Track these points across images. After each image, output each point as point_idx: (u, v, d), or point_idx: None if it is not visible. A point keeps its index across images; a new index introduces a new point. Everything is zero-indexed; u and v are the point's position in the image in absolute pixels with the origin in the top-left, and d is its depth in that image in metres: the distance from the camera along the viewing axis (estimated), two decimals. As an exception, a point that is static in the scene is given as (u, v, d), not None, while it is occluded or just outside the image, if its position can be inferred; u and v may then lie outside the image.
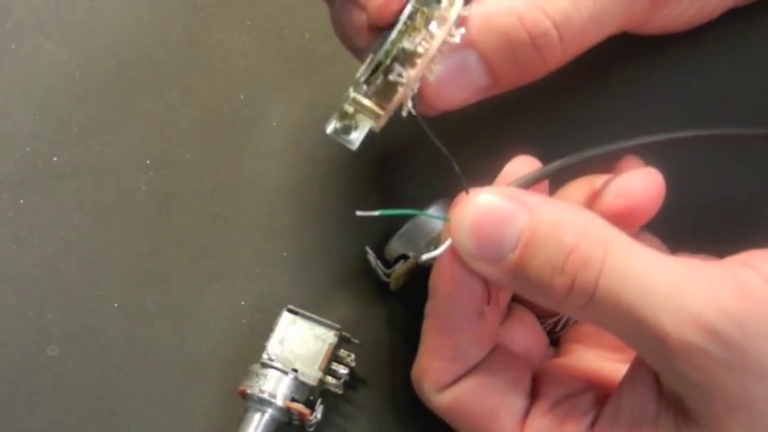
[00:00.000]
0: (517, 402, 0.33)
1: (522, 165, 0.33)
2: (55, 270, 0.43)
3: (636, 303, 0.28)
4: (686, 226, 0.36)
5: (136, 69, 0.47)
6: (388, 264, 0.39)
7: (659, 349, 0.28)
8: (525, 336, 0.37)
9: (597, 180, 0.34)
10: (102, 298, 0.42)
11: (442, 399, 0.33)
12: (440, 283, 0.32)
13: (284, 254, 0.43)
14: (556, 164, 0.32)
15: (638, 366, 0.31)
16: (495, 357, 0.34)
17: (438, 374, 0.33)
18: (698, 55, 0.41)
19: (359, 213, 0.32)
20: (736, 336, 0.27)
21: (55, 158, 0.45)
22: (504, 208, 0.29)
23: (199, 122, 0.46)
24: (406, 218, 0.38)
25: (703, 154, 0.41)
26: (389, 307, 0.41)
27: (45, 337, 0.41)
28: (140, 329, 0.41)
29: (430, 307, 0.33)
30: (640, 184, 0.33)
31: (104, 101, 0.46)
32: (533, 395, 0.33)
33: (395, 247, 0.39)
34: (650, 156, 0.33)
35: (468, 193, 0.31)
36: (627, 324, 0.28)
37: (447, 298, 0.32)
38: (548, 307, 0.31)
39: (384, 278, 0.39)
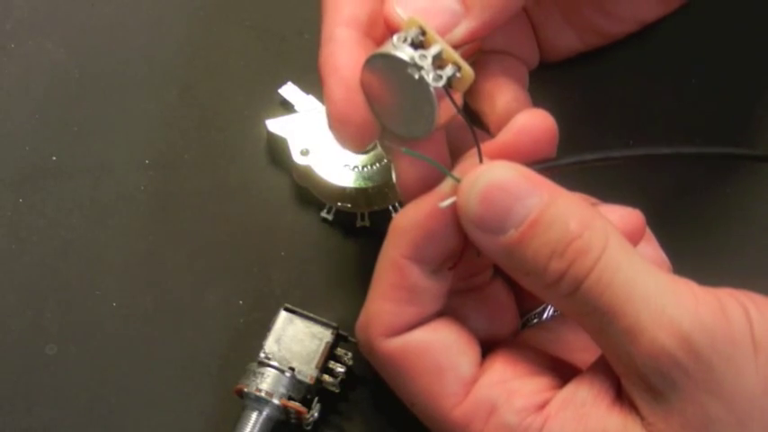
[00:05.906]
0: (465, 366, 0.32)
1: (534, 119, 0.32)
2: (53, 269, 0.43)
3: (620, 297, 0.28)
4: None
5: (135, 69, 0.47)
6: None
7: (629, 347, 0.28)
8: (493, 313, 0.36)
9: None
10: (101, 297, 0.42)
11: (389, 344, 0.32)
12: (416, 224, 0.31)
13: (282, 253, 0.43)
14: (572, 159, 0.32)
15: (599, 365, 0.31)
16: (448, 323, 0.33)
17: (389, 317, 0.32)
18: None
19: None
20: (707, 351, 0.27)
21: (54, 158, 0.45)
22: (519, 185, 0.30)
23: (198, 122, 0.46)
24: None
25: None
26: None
27: (43, 336, 0.41)
28: (138, 328, 0.41)
29: (389, 246, 0.32)
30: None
31: (104, 100, 0.46)
32: (486, 369, 0.33)
33: None
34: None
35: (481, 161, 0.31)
36: (604, 318, 0.29)
37: (415, 241, 0.31)
38: (531, 290, 0.31)
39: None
